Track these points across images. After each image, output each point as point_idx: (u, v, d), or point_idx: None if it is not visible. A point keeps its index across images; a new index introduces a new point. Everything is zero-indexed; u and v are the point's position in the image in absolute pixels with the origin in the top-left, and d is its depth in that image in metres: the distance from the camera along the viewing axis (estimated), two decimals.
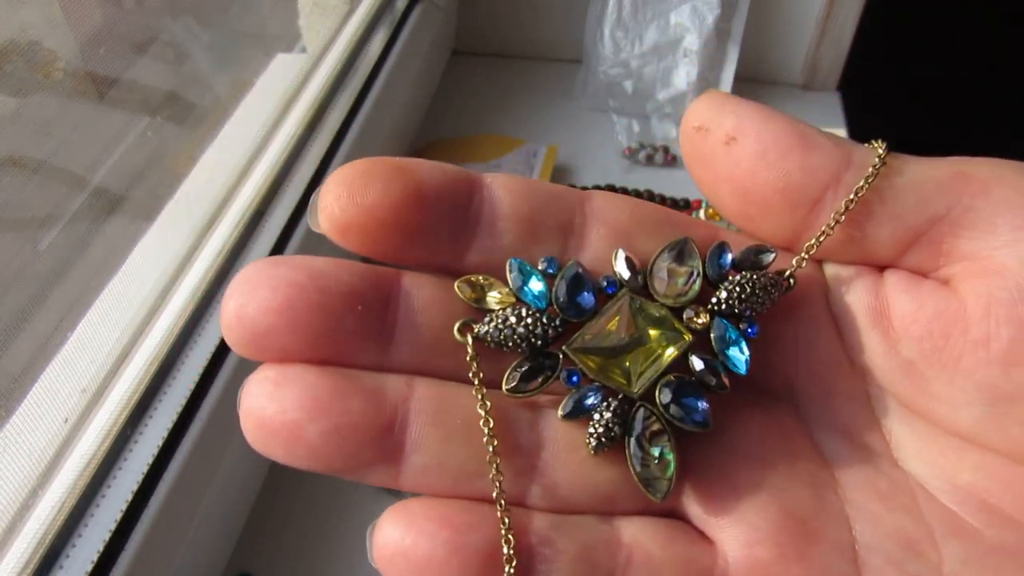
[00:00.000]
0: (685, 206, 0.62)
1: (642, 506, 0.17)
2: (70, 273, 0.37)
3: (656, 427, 0.17)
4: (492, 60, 0.77)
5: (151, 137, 0.44)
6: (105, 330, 0.37)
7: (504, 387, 0.17)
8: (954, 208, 0.17)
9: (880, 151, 0.18)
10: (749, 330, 0.18)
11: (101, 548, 0.32)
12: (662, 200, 0.62)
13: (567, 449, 0.17)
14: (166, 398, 0.37)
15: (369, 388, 0.16)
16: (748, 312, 0.18)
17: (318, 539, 0.43)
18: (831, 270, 0.19)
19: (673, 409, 0.17)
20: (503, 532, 0.16)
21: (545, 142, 0.65)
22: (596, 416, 0.17)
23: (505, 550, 0.16)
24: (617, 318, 0.17)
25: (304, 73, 0.54)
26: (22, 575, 0.30)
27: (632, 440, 0.17)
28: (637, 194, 0.62)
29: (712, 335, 0.18)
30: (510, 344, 0.17)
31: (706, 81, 0.67)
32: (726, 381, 0.17)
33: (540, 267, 0.17)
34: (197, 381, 0.38)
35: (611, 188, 0.63)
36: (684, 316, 0.18)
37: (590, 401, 0.17)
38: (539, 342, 0.17)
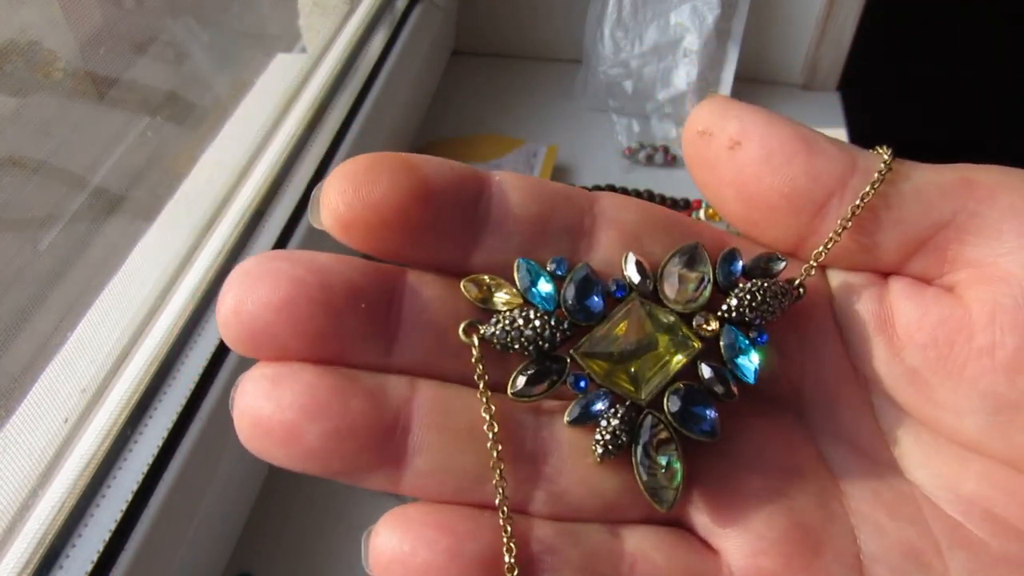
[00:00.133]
0: (685, 206, 0.62)
1: (646, 515, 0.17)
2: (70, 273, 0.37)
3: (663, 435, 0.17)
4: (492, 60, 0.77)
5: (151, 137, 0.44)
6: (105, 330, 0.37)
7: (509, 391, 0.16)
8: (959, 214, 0.17)
9: (886, 157, 0.17)
10: (759, 338, 0.18)
11: (101, 548, 0.32)
12: (662, 200, 0.62)
13: (572, 456, 0.17)
14: (166, 398, 0.37)
15: (370, 389, 0.15)
16: (758, 320, 0.17)
17: (318, 539, 0.43)
18: (836, 277, 0.19)
19: (681, 417, 0.17)
20: (505, 540, 0.15)
21: (545, 142, 0.65)
22: (603, 423, 0.17)
23: (507, 559, 0.15)
24: (626, 323, 0.17)
25: (304, 73, 0.54)
26: (22, 575, 0.30)
27: (639, 448, 0.17)
28: (637, 194, 0.62)
29: (722, 343, 0.17)
30: (516, 346, 0.16)
31: (706, 81, 0.67)
32: (735, 390, 0.17)
33: (549, 268, 0.17)
34: (197, 381, 0.38)
35: (611, 188, 0.63)
36: (694, 323, 0.17)
37: (597, 407, 0.17)
38: (546, 345, 0.17)
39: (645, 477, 0.16)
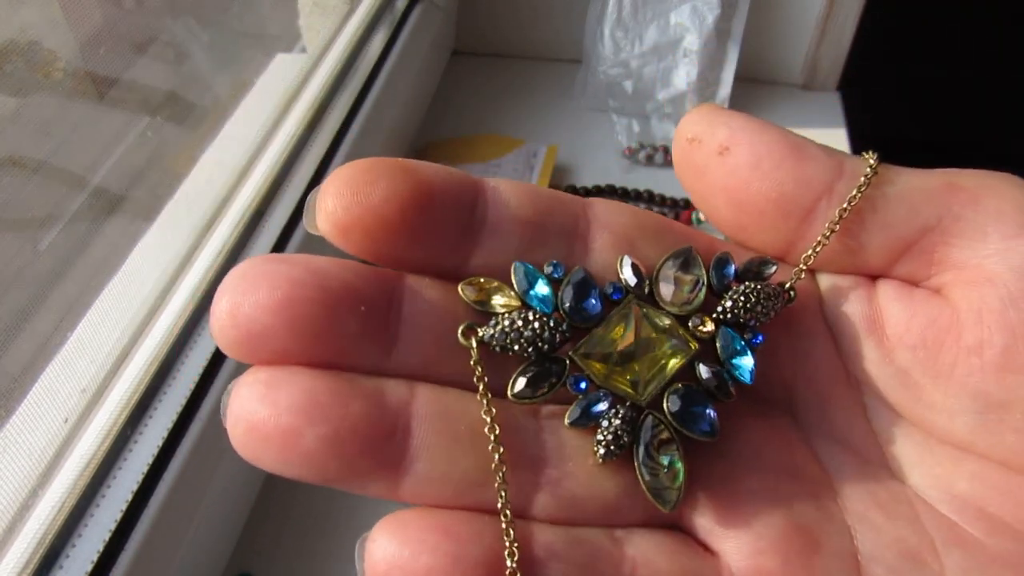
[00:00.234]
0: (685, 206, 0.62)
1: (645, 517, 0.17)
2: (70, 273, 0.37)
3: (664, 435, 0.17)
4: (492, 60, 0.77)
5: (151, 137, 0.44)
6: (105, 330, 0.37)
7: (510, 393, 0.16)
8: (944, 217, 0.17)
9: (872, 161, 0.18)
10: (754, 339, 0.18)
11: (101, 548, 0.32)
12: (662, 200, 0.62)
13: (573, 458, 0.16)
14: (166, 398, 0.37)
15: (370, 392, 0.15)
16: (752, 322, 0.18)
17: (318, 539, 0.43)
18: (825, 280, 0.19)
19: (681, 417, 0.17)
20: (507, 544, 0.15)
21: (545, 142, 0.65)
22: (605, 423, 0.17)
23: (509, 563, 0.15)
24: (624, 325, 0.17)
25: (304, 73, 0.54)
26: (22, 575, 0.30)
27: (641, 449, 0.17)
28: (637, 194, 0.63)
29: (718, 344, 0.18)
30: (516, 348, 0.16)
31: (706, 81, 0.67)
32: (732, 390, 0.17)
33: (546, 271, 0.17)
34: (197, 381, 0.38)
35: (611, 188, 0.63)
36: (690, 324, 0.18)
37: (598, 408, 0.17)
38: (546, 347, 0.17)
39: (648, 477, 0.16)
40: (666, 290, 0.18)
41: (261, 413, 0.15)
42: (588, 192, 0.63)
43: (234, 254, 0.43)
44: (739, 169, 0.18)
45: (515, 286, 0.17)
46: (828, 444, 0.18)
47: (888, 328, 0.18)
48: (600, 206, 0.18)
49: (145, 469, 0.34)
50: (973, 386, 0.17)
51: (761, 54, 0.71)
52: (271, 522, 0.44)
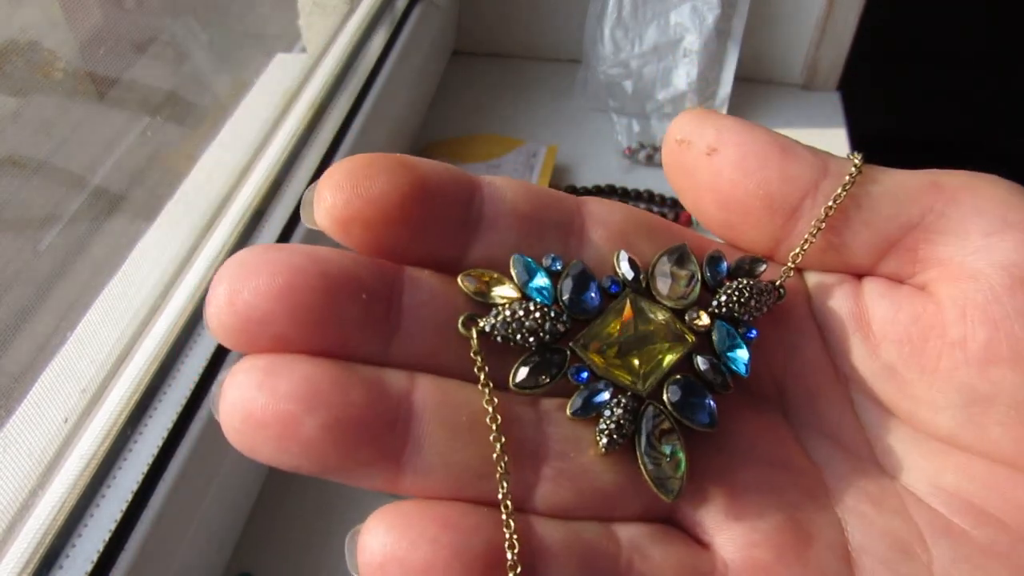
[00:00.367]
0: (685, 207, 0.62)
1: (642, 511, 0.17)
2: (70, 273, 0.37)
3: (666, 425, 0.17)
4: (492, 60, 0.77)
5: (151, 137, 0.44)
6: (105, 330, 0.37)
7: (512, 382, 0.16)
8: (927, 216, 0.18)
9: (856, 161, 0.18)
10: (748, 334, 0.18)
11: (101, 548, 0.32)
12: (662, 200, 0.62)
13: (574, 450, 0.16)
14: (166, 398, 0.37)
15: (370, 380, 0.15)
16: (746, 317, 0.18)
17: (318, 539, 0.43)
18: (812, 278, 0.19)
19: (681, 407, 0.17)
20: (508, 537, 0.15)
21: (545, 142, 0.65)
22: (607, 413, 0.17)
23: (509, 556, 0.15)
24: (623, 317, 0.17)
25: (304, 73, 0.54)
26: (22, 575, 0.30)
27: (643, 438, 0.17)
28: (637, 194, 0.63)
29: (714, 337, 0.18)
30: (518, 338, 0.17)
31: (706, 81, 0.67)
32: (730, 382, 0.18)
33: (544, 264, 0.17)
34: (197, 381, 0.38)
35: (611, 188, 0.63)
36: (686, 318, 0.18)
37: (600, 398, 0.17)
38: (547, 337, 0.17)
39: (651, 467, 0.17)
40: (663, 284, 0.18)
41: (259, 401, 0.14)
42: (588, 192, 0.63)
43: (234, 254, 0.43)
44: (727, 169, 0.18)
45: (515, 278, 0.17)
46: (818, 438, 0.18)
47: (874, 324, 0.18)
48: (594, 204, 0.18)
49: (145, 469, 0.34)
50: (958, 380, 0.17)
51: (761, 54, 0.71)
52: (271, 522, 0.44)
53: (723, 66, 0.67)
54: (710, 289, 0.18)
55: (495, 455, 0.15)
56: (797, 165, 0.18)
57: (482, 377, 0.16)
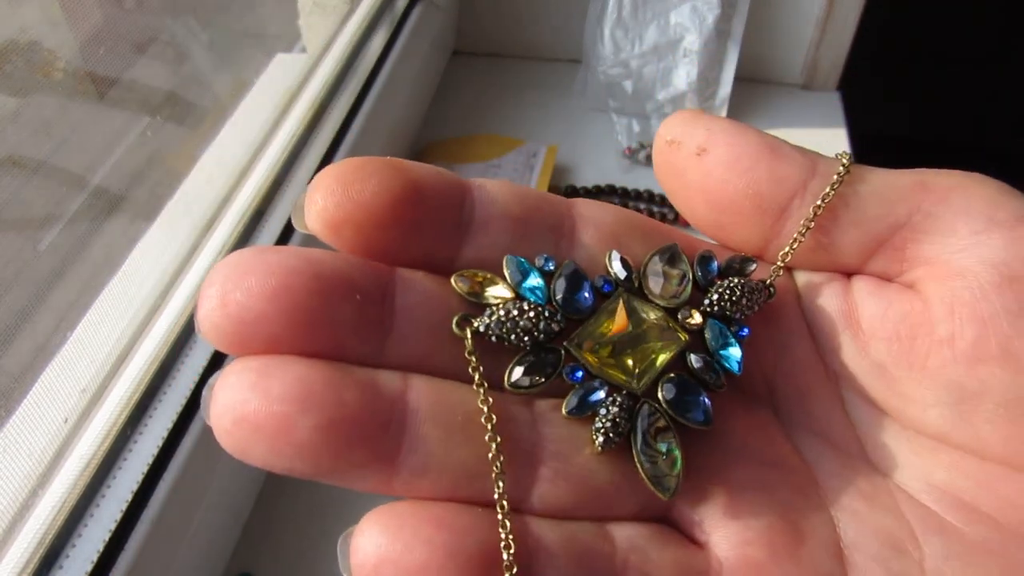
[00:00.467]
0: None
1: (636, 510, 0.17)
2: (70, 273, 0.37)
3: (661, 423, 0.17)
4: (492, 60, 0.77)
5: (151, 137, 0.44)
6: (105, 330, 0.37)
7: (507, 382, 0.16)
8: (915, 215, 0.18)
9: (844, 161, 0.18)
10: (740, 332, 0.18)
11: (101, 548, 0.32)
12: (662, 200, 0.62)
13: (568, 450, 0.16)
14: (166, 398, 0.37)
15: (364, 382, 0.15)
16: (738, 315, 0.18)
17: (318, 539, 0.43)
18: (802, 277, 0.19)
19: (676, 405, 0.17)
20: (504, 538, 0.15)
21: (545, 142, 0.65)
22: (603, 411, 0.17)
23: (504, 557, 0.15)
24: (616, 316, 0.18)
25: (304, 73, 0.54)
26: (22, 575, 0.30)
27: (639, 437, 0.17)
28: (637, 194, 0.63)
29: (707, 335, 0.18)
30: (512, 337, 0.17)
31: (706, 81, 0.67)
32: (723, 380, 0.18)
33: (537, 264, 0.17)
34: (197, 381, 0.38)
35: (611, 188, 0.63)
36: (679, 316, 0.18)
37: (595, 397, 0.17)
38: (542, 336, 0.17)
39: (647, 465, 0.17)
40: (655, 283, 0.18)
41: (252, 403, 0.14)
42: (588, 192, 0.63)
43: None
44: (717, 169, 0.18)
45: (508, 278, 0.17)
46: (809, 437, 0.19)
47: (863, 322, 0.18)
48: (584, 205, 0.18)
49: (145, 469, 0.35)
50: (946, 377, 0.17)
51: (761, 54, 0.71)
52: (271, 522, 0.44)
53: (723, 66, 0.67)
54: (701, 288, 0.18)
55: (491, 455, 0.15)
56: (786, 165, 0.18)
57: (477, 377, 0.16)
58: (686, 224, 0.58)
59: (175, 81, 0.47)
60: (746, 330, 0.18)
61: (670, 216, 0.60)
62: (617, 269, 0.18)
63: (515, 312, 0.17)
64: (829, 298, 0.19)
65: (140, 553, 0.33)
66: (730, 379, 0.18)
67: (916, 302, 0.18)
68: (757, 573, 0.16)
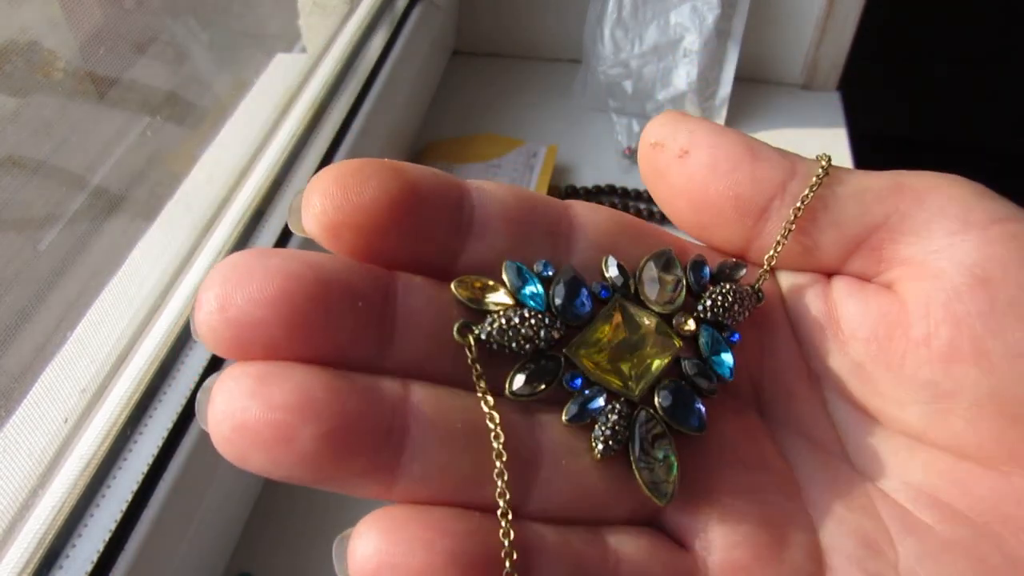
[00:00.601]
0: None
1: (629, 514, 0.17)
2: (70, 273, 0.37)
3: (658, 430, 0.17)
4: (492, 60, 0.77)
5: (151, 137, 0.44)
6: (105, 330, 0.37)
7: (508, 390, 0.17)
8: (892, 216, 0.18)
9: (824, 163, 0.18)
10: (731, 337, 0.19)
11: (101, 548, 0.32)
12: None
13: (566, 456, 0.17)
14: (166, 398, 0.37)
15: (365, 389, 0.15)
16: (729, 321, 0.18)
17: (318, 539, 0.43)
18: (784, 278, 0.20)
19: (672, 412, 0.17)
20: (505, 545, 0.15)
21: (545, 142, 0.65)
22: (602, 419, 0.17)
23: (507, 565, 0.15)
24: (613, 323, 0.18)
25: (304, 73, 0.54)
26: (22, 575, 0.30)
27: (637, 445, 0.17)
28: (637, 194, 0.63)
29: (701, 341, 0.18)
30: (513, 345, 0.17)
31: (706, 81, 0.67)
32: (716, 385, 0.18)
33: (535, 269, 0.17)
34: (197, 381, 0.38)
35: (611, 188, 0.63)
36: (673, 322, 0.18)
37: (595, 405, 0.17)
38: (542, 344, 0.17)
39: (645, 472, 0.17)
40: (651, 289, 0.18)
41: (252, 410, 0.14)
42: (588, 192, 0.63)
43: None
44: (698, 171, 0.18)
45: (508, 284, 0.17)
46: (792, 437, 0.19)
47: (843, 323, 0.19)
48: (580, 207, 0.18)
49: (145, 469, 0.35)
50: (922, 377, 0.18)
51: (761, 54, 0.71)
52: (271, 522, 0.44)
53: (723, 66, 0.67)
54: (694, 294, 0.19)
55: (494, 460, 0.15)
56: (766, 167, 0.18)
57: (482, 384, 0.16)
58: None
59: (175, 81, 0.47)
60: (737, 335, 0.19)
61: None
62: (614, 275, 0.18)
63: (516, 320, 0.17)
64: (810, 299, 0.19)
65: (140, 553, 0.33)
66: (720, 382, 0.18)
67: (893, 303, 0.18)
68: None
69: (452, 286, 0.16)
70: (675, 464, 0.17)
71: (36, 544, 0.31)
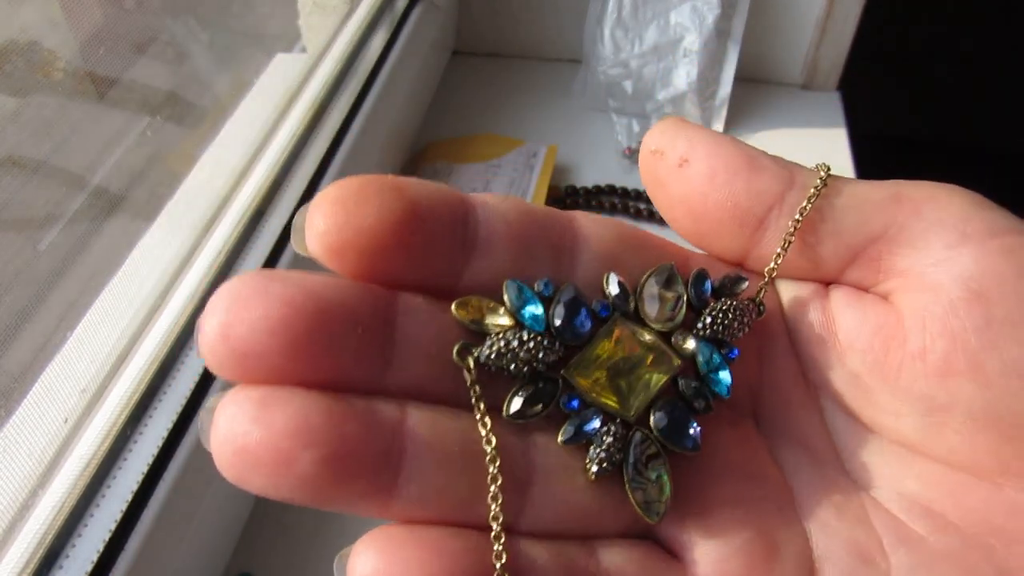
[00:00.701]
0: None
1: (622, 528, 0.17)
2: (70, 273, 0.37)
3: (652, 450, 0.17)
4: (492, 60, 0.77)
5: (151, 137, 0.44)
6: (105, 330, 0.37)
7: (505, 413, 0.17)
8: (890, 227, 0.18)
9: (822, 173, 0.18)
10: (730, 354, 0.18)
11: (101, 548, 0.32)
12: None
13: (561, 475, 0.17)
14: (166, 398, 0.37)
15: (364, 413, 0.15)
16: (729, 338, 0.18)
17: (318, 539, 0.43)
18: (782, 287, 0.20)
19: (667, 433, 0.17)
20: (502, 561, 0.15)
21: (545, 142, 0.65)
22: (598, 440, 0.17)
23: None
24: (612, 342, 0.18)
25: (304, 73, 0.54)
26: (22, 575, 0.30)
27: (630, 467, 0.17)
28: (637, 194, 0.63)
29: (699, 359, 0.18)
30: (512, 368, 0.17)
31: (706, 81, 0.67)
32: (712, 404, 0.18)
33: (536, 288, 0.17)
34: (197, 381, 0.38)
35: (611, 188, 0.63)
36: (673, 341, 0.18)
37: (591, 426, 0.17)
38: (540, 366, 0.17)
39: (637, 493, 0.17)
40: (651, 307, 0.18)
41: (254, 435, 0.14)
42: (588, 192, 0.63)
43: (234, 254, 0.43)
44: (696, 181, 0.18)
45: (508, 304, 0.17)
46: (788, 446, 0.19)
47: (840, 333, 0.19)
48: (584, 219, 0.18)
49: (145, 469, 0.35)
50: (918, 390, 0.18)
51: (761, 54, 0.71)
52: (271, 522, 0.44)
53: (723, 66, 0.67)
54: (695, 309, 0.19)
55: (489, 482, 0.16)
56: (764, 178, 0.18)
57: (482, 407, 0.16)
58: None
59: (175, 81, 0.47)
60: (736, 352, 0.19)
61: None
62: (614, 292, 0.18)
63: (515, 343, 0.17)
64: (808, 309, 0.19)
65: (140, 553, 0.33)
66: (726, 398, 0.18)
67: (890, 314, 0.18)
68: None
69: (452, 308, 0.16)
70: (667, 485, 0.17)
71: (36, 544, 0.31)
